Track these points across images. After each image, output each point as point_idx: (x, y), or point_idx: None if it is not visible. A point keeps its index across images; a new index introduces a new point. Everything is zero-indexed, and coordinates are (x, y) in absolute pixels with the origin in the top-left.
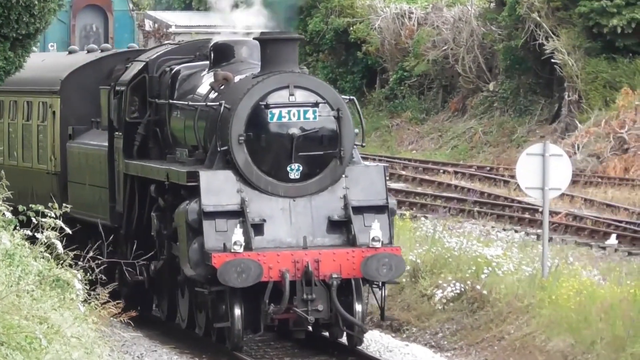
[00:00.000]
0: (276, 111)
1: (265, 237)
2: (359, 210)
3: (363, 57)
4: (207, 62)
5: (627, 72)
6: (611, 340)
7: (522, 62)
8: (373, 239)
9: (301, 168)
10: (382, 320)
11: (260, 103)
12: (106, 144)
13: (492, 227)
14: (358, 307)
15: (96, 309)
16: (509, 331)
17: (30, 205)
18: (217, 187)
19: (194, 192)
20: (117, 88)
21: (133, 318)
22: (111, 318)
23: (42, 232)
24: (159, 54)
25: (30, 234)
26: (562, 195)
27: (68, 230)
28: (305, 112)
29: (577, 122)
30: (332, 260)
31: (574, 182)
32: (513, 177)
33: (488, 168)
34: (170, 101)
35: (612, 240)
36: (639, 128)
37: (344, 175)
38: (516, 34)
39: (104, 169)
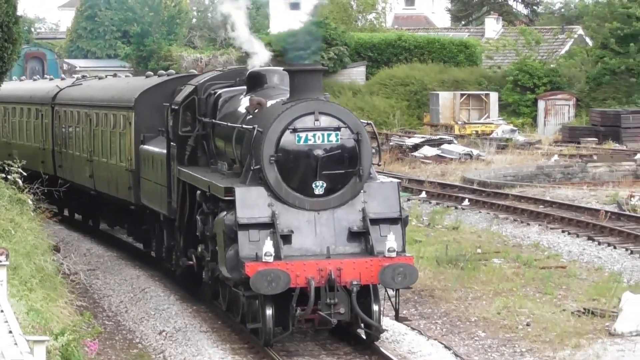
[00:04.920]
0: (303, 134)
1: (292, 246)
2: (376, 221)
3: None
4: (245, 87)
5: None
6: None
7: None
8: (389, 250)
9: (325, 184)
10: (397, 320)
11: (289, 127)
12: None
13: None
14: (375, 308)
15: (40, 214)
16: None
17: (5, 161)
18: (251, 202)
19: (231, 205)
20: (173, 107)
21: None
22: (48, 219)
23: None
24: (205, 79)
25: (4, 175)
26: None
27: (24, 174)
28: (328, 136)
29: None
30: (352, 268)
31: None
32: None
33: None
34: (214, 121)
35: None
36: None
37: (362, 191)
38: None
39: (165, 170)
